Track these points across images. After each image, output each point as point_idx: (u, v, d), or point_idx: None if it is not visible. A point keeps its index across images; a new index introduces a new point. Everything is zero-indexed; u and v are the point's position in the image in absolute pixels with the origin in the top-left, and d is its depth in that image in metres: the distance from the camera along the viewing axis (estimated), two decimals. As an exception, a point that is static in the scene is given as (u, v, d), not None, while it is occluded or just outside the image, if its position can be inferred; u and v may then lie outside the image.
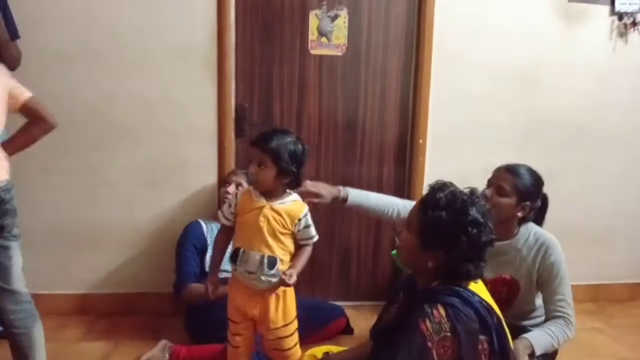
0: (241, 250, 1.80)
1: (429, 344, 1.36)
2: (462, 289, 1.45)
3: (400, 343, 1.40)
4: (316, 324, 2.52)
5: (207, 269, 2.49)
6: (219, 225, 2.00)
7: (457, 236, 1.41)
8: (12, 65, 2.36)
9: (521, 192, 1.98)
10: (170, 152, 2.75)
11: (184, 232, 2.56)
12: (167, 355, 2.28)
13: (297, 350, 1.94)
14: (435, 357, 1.35)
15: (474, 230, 1.41)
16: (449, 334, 1.36)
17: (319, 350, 1.94)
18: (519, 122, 3.01)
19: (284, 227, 1.80)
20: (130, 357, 2.34)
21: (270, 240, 1.78)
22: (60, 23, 2.60)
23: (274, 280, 1.79)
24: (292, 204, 1.84)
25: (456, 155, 2.95)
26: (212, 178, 2.69)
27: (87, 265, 2.80)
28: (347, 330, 2.70)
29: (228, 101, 2.74)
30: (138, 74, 2.68)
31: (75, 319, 2.74)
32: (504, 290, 2.05)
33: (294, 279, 1.76)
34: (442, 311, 1.38)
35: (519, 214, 2.01)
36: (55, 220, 2.75)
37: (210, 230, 2.54)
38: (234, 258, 1.82)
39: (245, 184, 2.46)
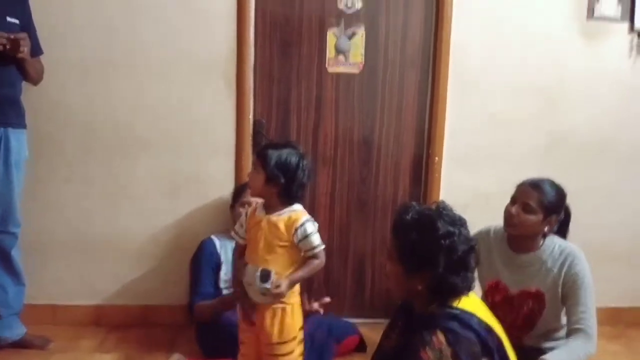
0: (245, 263, 1.84)
1: None
2: (459, 311, 1.43)
3: None
4: (331, 340, 2.50)
5: (221, 284, 2.50)
6: (232, 241, 2.01)
7: (434, 252, 1.40)
8: (36, 79, 2.44)
9: (547, 208, 1.98)
10: (189, 164, 2.77)
11: (198, 250, 2.57)
12: (179, 369, 2.29)
13: None
14: None
15: (447, 242, 1.39)
16: None
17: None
18: (539, 140, 2.96)
19: (280, 239, 1.77)
20: (143, 370, 2.35)
21: (266, 254, 1.77)
22: (82, 35, 2.65)
23: (269, 295, 1.76)
24: (290, 214, 1.80)
25: (473, 173, 2.92)
26: (228, 190, 2.70)
27: (105, 275, 2.82)
28: (361, 347, 2.66)
29: (246, 116, 2.77)
30: (159, 86, 2.71)
31: (91, 329, 2.75)
32: (530, 304, 2.03)
33: (280, 290, 1.72)
34: (442, 337, 1.37)
35: (546, 229, 2.00)
36: (78, 229, 2.77)
37: (223, 247, 2.55)
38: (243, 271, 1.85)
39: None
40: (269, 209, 1.83)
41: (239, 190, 2.61)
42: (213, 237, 2.60)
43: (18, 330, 2.51)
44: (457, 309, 1.45)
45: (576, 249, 2.01)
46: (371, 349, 2.56)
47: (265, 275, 1.76)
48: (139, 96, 2.72)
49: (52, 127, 2.69)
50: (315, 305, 2.13)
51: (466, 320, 1.42)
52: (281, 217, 1.79)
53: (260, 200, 1.88)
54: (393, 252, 1.49)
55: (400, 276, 1.49)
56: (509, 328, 1.57)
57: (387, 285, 1.61)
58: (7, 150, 2.33)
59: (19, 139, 2.39)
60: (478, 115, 2.90)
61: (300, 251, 1.80)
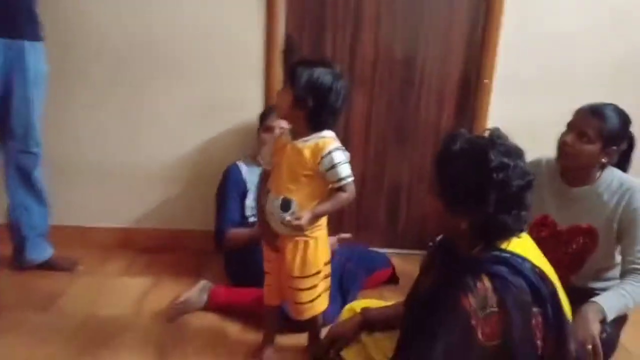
0: (268, 191, 1.72)
1: (473, 322, 1.19)
2: (510, 255, 1.26)
3: (440, 320, 1.23)
4: (361, 271, 2.43)
5: (247, 212, 2.39)
6: (260, 167, 1.89)
7: (483, 187, 1.21)
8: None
9: (606, 137, 1.78)
10: (217, 87, 2.62)
11: (223, 176, 2.44)
12: (205, 297, 2.22)
13: (315, 307, 1.79)
14: (481, 337, 1.19)
15: (501, 176, 1.21)
16: (495, 309, 1.20)
17: (359, 304, 1.82)
18: (607, 64, 2.64)
19: (304, 167, 1.62)
20: (169, 295, 2.31)
21: (289, 182, 1.64)
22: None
23: (289, 226, 1.63)
24: (317, 140, 1.62)
25: (527, 100, 2.65)
26: (257, 114, 2.52)
27: (131, 199, 2.77)
28: (393, 280, 2.57)
29: (277, 30, 2.53)
30: (183, 3, 2.53)
31: (117, 252, 2.73)
32: (580, 240, 1.89)
33: (300, 222, 1.58)
34: (488, 283, 1.21)
35: (604, 160, 1.82)
36: (102, 154, 2.71)
37: (250, 173, 2.41)
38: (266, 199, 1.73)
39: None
40: (295, 134, 1.67)
41: (265, 114, 2.43)
42: (239, 162, 2.46)
43: (45, 252, 2.50)
44: (506, 251, 1.28)
45: (637, 183, 1.83)
46: (404, 281, 2.52)
47: (286, 205, 1.64)
48: (163, 16, 2.54)
49: (84, 48, 2.58)
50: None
51: (517, 265, 1.25)
52: (307, 144, 1.63)
53: (287, 125, 1.71)
54: (436, 185, 1.32)
55: (441, 213, 1.32)
56: (555, 267, 1.41)
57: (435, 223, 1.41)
58: (23, 65, 2.20)
59: (35, 53, 2.24)
60: (536, 32, 2.59)
61: (327, 182, 1.65)
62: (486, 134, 1.31)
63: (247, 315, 2.15)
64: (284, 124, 1.78)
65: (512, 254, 1.28)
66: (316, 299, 1.78)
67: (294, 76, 1.59)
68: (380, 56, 2.66)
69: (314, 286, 1.76)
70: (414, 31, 2.63)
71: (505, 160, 1.23)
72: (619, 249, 1.88)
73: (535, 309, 1.23)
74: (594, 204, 1.85)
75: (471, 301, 1.20)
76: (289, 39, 2.58)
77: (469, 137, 1.29)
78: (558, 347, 1.26)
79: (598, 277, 1.93)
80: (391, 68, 2.68)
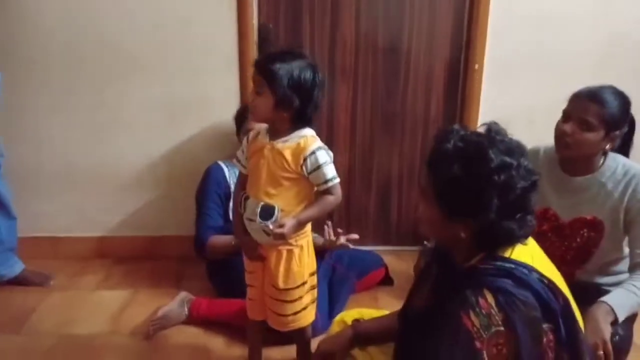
0: (243, 196, 1.57)
1: (478, 344, 1.04)
2: (514, 265, 1.12)
3: (440, 344, 1.08)
4: (352, 274, 2.31)
5: (231, 216, 2.22)
6: None
7: (483, 191, 1.07)
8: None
9: (609, 123, 1.65)
10: (187, 84, 2.46)
11: (204, 177, 2.29)
12: (186, 310, 2.09)
13: (299, 320, 1.66)
14: None
15: (503, 177, 1.07)
16: (502, 328, 1.05)
17: (349, 315, 1.68)
18: (599, 42, 2.50)
19: (285, 169, 1.49)
20: (148, 308, 2.18)
21: (269, 186, 1.51)
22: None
23: (271, 235, 1.50)
24: (298, 140, 1.50)
25: (519, 84, 2.51)
26: (233, 111, 2.36)
27: (105, 207, 2.62)
28: (387, 280, 2.44)
29: (249, 21, 2.37)
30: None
31: (95, 263, 2.59)
32: (585, 233, 1.76)
33: (282, 230, 1.45)
34: (491, 299, 1.06)
35: (607, 147, 1.70)
36: (67, 160, 2.55)
37: (232, 174, 2.25)
38: (243, 205, 1.58)
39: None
40: (274, 134, 1.53)
41: (241, 115, 2.26)
42: (220, 162, 2.31)
43: (15, 267, 2.36)
44: (510, 261, 1.14)
45: None
46: (399, 280, 2.41)
47: (267, 212, 1.50)
48: (127, 10, 2.37)
49: (31, 49, 2.40)
50: (342, 239, 1.94)
51: (523, 276, 1.11)
52: (288, 144, 1.50)
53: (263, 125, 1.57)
54: (428, 191, 1.16)
55: (436, 221, 1.17)
56: (559, 263, 1.28)
57: (420, 229, 1.26)
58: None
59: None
60: (525, 14, 2.44)
61: (311, 185, 1.52)
62: (482, 129, 1.16)
63: (232, 328, 2.02)
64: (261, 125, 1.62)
65: (517, 263, 1.13)
66: (301, 311, 1.64)
67: (273, 78, 1.43)
68: (363, 44, 2.51)
69: (299, 298, 1.62)
70: (397, 16, 2.47)
71: (507, 159, 1.08)
72: (626, 240, 1.77)
73: (545, 326, 1.09)
74: (597, 193, 1.73)
75: (474, 320, 1.06)
76: (263, 28, 2.42)
77: (463, 134, 1.14)
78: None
79: (605, 272, 1.82)
80: (375, 56, 2.53)
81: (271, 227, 1.47)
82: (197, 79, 2.44)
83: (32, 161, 2.52)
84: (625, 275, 1.77)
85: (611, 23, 2.48)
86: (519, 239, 1.14)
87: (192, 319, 2.09)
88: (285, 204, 1.51)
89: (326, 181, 1.50)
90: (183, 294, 2.14)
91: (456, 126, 1.17)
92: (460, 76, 2.55)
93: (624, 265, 1.78)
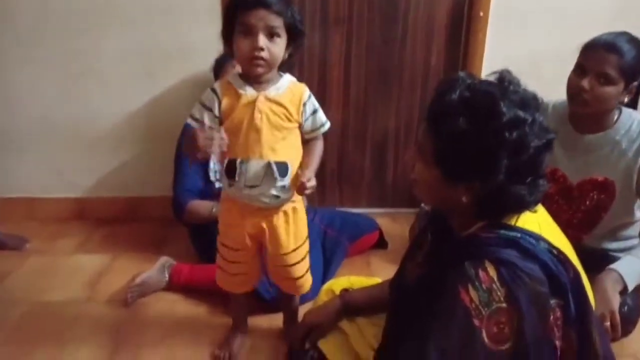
0: (238, 161, 1.38)
1: (476, 322, 0.92)
2: (520, 234, 0.98)
3: (433, 321, 0.96)
4: (345, 238, 2.17)
5: (211, 176, 2.09)
6: None
7: (492, 150, 0.93)
8: None
9: (629, 74, 1.53)
10: (166, 32, 2.29)
11: (181, 135, 2.12)
12: (166, 275, 1.96)
13: (309, 277, 1.61)
14: (486, 340, 0.92)
15: (515, 134, 0.92)
16: (504, 304, 0.92)
17: (338, 283, 1.56)
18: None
19: (288, 119, 1.38)
20: (127, 274, 2.05)
21: (273, 142, 1.37)
22: None
23: (285, 194, 1.41)
24: (291, 86, 1.40)
25: (526, 32, 2.33)
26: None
27: (83, 166, 2.48)
28: (381, 244, 2.32)
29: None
30: None
31: (74, 224, 2.47)
32: (594, 196, 1.66)
33: (313, 182, 1.36)
34: (493, 272, 0.94)
35: (625, 99, 1.58)
36: (40, 116, 2.39)
37: (213, 129, 2.08)
38: (230, 172, 1.39)
39: None
40: (256, 82, 1.36)
41: (220, 66, 2.07)
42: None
43: (-13, 230, 2.22)
44: (516, 229, 1.00)
45: None
46: (393, 244, 2.29)
47: (284, 169, 1.39)
48: None
49: None
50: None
51: (529, 246, 0.97)
52: (282, 92, 1.38)
53: (236, 70, 1.41)
54: (427, 149, 1.01)
55: (434, 183, 1.02)
56: (565, 227, 1.16)
57: (414, 192, 1.14)
58: None
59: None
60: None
61: (300, 133, 1.44)
62: (493, 77, 0.99)
63: (214, 295, 1.88)
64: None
65: (523, 232, 0.99)
66: (307, 272, 1.59)
67: (291, 13, 1.32)
68: (358, -12, 2.30)
69: (304, 257, 1.56)
70: (396, -43, 2.26)
71: (521, 113, 0.93)
72: (638, 203, 1.66)
73: (553, 302, 0.97)
74: (610, 152, 1.61)
75: (472, 295, 0.93)
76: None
77: (470, 82, 0.98)
78: (582, 346, 0.99)
79: (614, 237, 1.71)
80: (370, 2, 2.33)
81: (306, 183, 1.33)
82: (176, 26, 2.27)
83: (2, 117, 2.36)
84: (636, 241, 1.69)
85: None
86: (529, 205, 1.00)
87: (173, 286, 1.97)
88: (291, 158, 1.40)
89: (322, 125, 1.45)
90: (164, 259, 2.02)
91: (462, 74, 1.00)
92: (464, 24, 2.36)
93: (635, 230, 1.70)
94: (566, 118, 1.67)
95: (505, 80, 0.97)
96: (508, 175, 0.94)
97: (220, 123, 1.38)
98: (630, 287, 1.49)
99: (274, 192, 1.39)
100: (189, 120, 1.39)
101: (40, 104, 2.37)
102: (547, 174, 1.63)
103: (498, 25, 2.32)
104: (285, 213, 1.48)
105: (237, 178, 1.38)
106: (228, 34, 1.34)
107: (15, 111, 2.37)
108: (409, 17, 2.35)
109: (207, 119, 1.37)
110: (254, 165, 1.37)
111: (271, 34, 1.30)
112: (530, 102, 0.96)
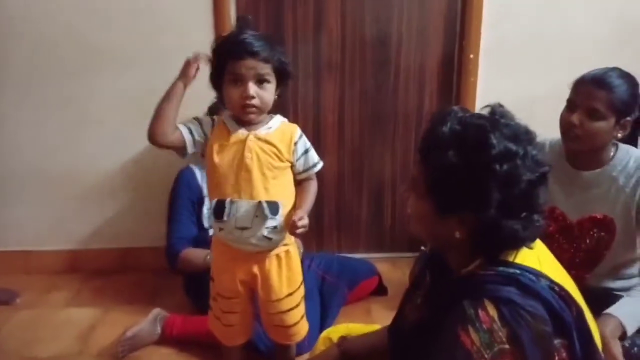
0: (227, 201, 1.36)
1: None
2: (519, 271, 0.96)
3: None
4: (343, 285, 2.13)
5: (205, 223, 2.08)
6: None
7: (482, 184, 0.92)
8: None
9: (619, 109, 1.51)
10: (162, 79, 2.24)
11: (175, 182, 2.12)
12: (158, 328, 1.90)
13: (304, 324, 1.56)
14: None
15: (506, 167, 0.91)
16: (507, 345, 0.88)
17: (336, 331, 1.50)
18: (604, 28, 2.35)
19: (279, 158, 1.38)
20: (120, 326, 1.97)
21: (264, 181, 1.37)
22: None
23: (276, 236, 1.39)
24: (282, 126, 1.42)
25: (518, 74, 2.36)
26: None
27: (76, 216, 2.45)
28: (381, 290, 2.26)
29: (226, 12, 2.21)
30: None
31: (64, 278, 2.41)
32: (595, 234, 1.62)
33: (305, 221, 1.35)
34: (493, 311, 0.90)
35: (619, 135, 1.56)
36: (36, 165, 2.38)
37: (205, 176, 2.07)
38: (218, 213, 1.37)
39: None
40: (248, 123, 1.37)
41: (216, 110, 2.08)
42: (192, 166, 2.14)
43: (-22, 285, 2.17)
44: (514, 265, 0.97)
45: None
46: (393, 290, 2.23)
47: (275, 209, 1.37)
48: None
49: None
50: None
51: (530, 283, 0.94)
52: (272, 131, 1.39)
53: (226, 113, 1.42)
54: (420, 182, 1.00)
55: (427, 217, 1.01)
56: (568, 267, 1.12)
57: (409, 227, 1.12)
58: None
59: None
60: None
61: (292, 173, 1.44)
62: (485, 111, 0.99)
63: (208, 347, 1.82)
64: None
65: (523, 268, 0.96)
66: (301, 320, 1.54)
67: (279, 60, 1.35)
68: (349, 36, 2.35)
69: (299, 304, 1.52)
70: (385, 5, 2.32)
71: (512, 146, 0.92)
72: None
73: (557, 341, 0.93)
74: (608, 189, 1.58)
75: (473, 337, 0.89)
76: (241, 21, 2.24)
77: (462, 115, 0.98)
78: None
79: (617, 276, 1.66)
80: (362, 49, 2.37)
81: (299, 223, 1.33)
82: (170, 74, 2.26)
83: (-2, 166, 2.36)
84: (638, 279, 1.63)
85: (618, 6, 2.33)
86: (524, 241, 0.98)
87: (166, 338, 1.91)
88: (282, 197, 1.39)
89: (314, 164, 1.45)
90: (156, 311, 1.96)
91: (456, 108, 1.00)
92: (455, 67, 2.39)
93: (636, 268, 1.65)
94: (562, 155, 1.65)
95: (496, 113, 0.97)
96: (500, 209, 0.92)
97: (202, 153, 1.41)
98: (630, 332, 1.41)
99: (265, 233, 1.37)
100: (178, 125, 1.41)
101: (35, 151, 2.36)
102: (546, 212, 1.63)
103: (489, 67, 2.35)
104: (278, 257, 1.45)
105: (225, 218, 1.36)
106: (217, 81, 1.37)
107: (8, 157, 2.36)
108: (401, 63, 2.39)
109: (194, 130, 1.40)
110: (244, 206, 1.36)
111: (260, 81, 1.33)
112: (521, 135, 0.95)
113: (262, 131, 1.38)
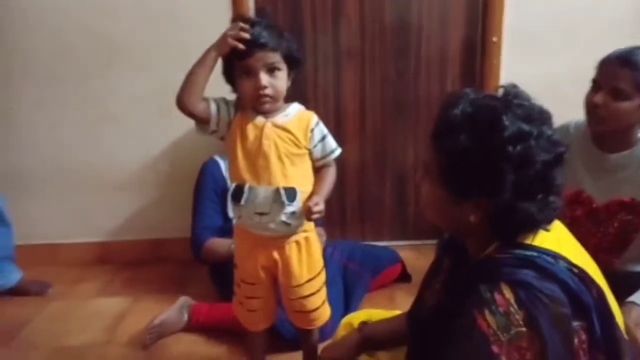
0: (246, 186, 1.37)
1: (495, 349, 0.86)
2: (537, 253, 0.93)
3: (452, 347, 0.91)
4: (366, 272, 2.12)
5: (230, 214, 2.07)
6: None
7: (496, 166, 0.90)
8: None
9: None
10: (180, 76, 2.26)
11: (200, 174, 2.14)
12: (185, 315, 1.93)
13: (325, 310, 1.55)
14: None
15: (519, 148, 0.89)
16: (524, 328, 0.86)
17: (357, 317, 1.50)
18: (628, 6, 2.27)
19: (296, 145, 1.39)
20: (148, 315, 2.00)
21: (283, 168, 1.37)
22: None
23: (295, 221, 1.40)
24: (299, 113, 1.42)
25: (542, 55, 2.31)
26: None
27: (104, 210, 2.50)
28: (404, 277, 2.25)
29: (245, 5, 2.22)
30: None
31: (96, 269, 2.46)
32: (623, 217, 1.58)
33: (321, 207, 1.35)
34: (510, 294, 0.88)
35: None
36: (59, 160, 2.43)
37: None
38: (236, 197, 1.39)
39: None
40: (265, 111, 1.38)
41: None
42: (217, 157, 2.16)
43: (12, 277, 2.23)
44: (532, 248, 0.95)
45: None
46: (417, 277, 2.20)
47: (292, 195, 1.37)
48: None
49: (15, 39, 2.28)
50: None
51: (547, 266, 0.91)
52: (289, 119, 1.40)
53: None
54: (433, 167, 0.99)
55: (441, 203, 1.00)
56: (595, 252, 1.10)
57: (423, 214, 1.08)
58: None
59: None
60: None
61: (310, 160, 1.44)
62: (498, 92, 0.97)
63: (234, 334, 1.84)
64: None
65: (540, 250, 0.94)
66: (322, 305, 1.53)
67: (288, 47, 1.35)
68: (369, 23, 2.33)
69: (320, 289, 1.52)
70: (405, -11, 2.30)
71: (525, 127, 0.90)
72: None
73: (576, 324, 0.90)
74: (636, 172, 1.54)
75: (489, 321, 0.87)
76: (261, 13, 2.24)
77: (474, 97, 0.96)
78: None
79: None
80: (382, 36, 2.35)
81: (314, 208, 1.33)
82: (189, 68, 2.28)
83: (21, 162, 2.41)
84: None
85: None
86: (540, 224, 0.95)
87: (193, 326, 1.93)
88: (300, 184, 1.38)
89: (332, 151, 1.44)
90: (183, 299, 1.99)
91: (467, 90, 0.98)
92: (478, 51, 2.35)
93: None
94: (589, 138, 1.62)
95: (509, 94, 0.94)
96: (515, 191, 0.90)
97: (222, 136, 1.42)
98: None
99: (283, 218, 1.37)
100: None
101: (57, 147, 2.41)
102: (572, 196, 1.60)
103: (512, 50, 2.30)
104: (298, 243, 1.45)
105: (242, 202, 1.37)
106: (229, 76, 1.38)
107: (32, 155, 2.41)
108: (422, 49, 2.36)
109: (222, 108, 1.39)
110: (263, 192, 1.37)
111: (271, 70, 1.33)
112: (535, 115, 0.92)
113: (279, 119, 1.38)
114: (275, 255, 1.44)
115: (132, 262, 2.49)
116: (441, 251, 1.21)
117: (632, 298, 1.39)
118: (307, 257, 1.46)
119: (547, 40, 2.29)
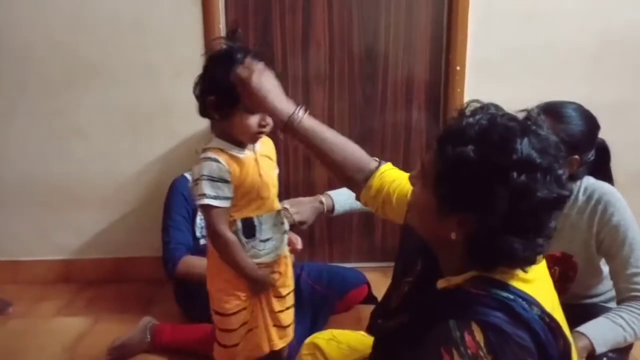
0: (254, 219, 1.42)
1: None
2: (512, 296, 0.90)
3: None
4: (333, 294, 2.14)
5: (197, 233, 2.09)
6: None
7: (494, 187, 0.86)
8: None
9: (567, 143, 1.36)
10: (149, 92, 2.32)
11: (169, 191, 2.13)
12: (148, 336, 1.91)
13: (293, 328, 1.62)
14: None
15: (522, 177, 0.85)
16: None
17: (321, 336, 1.49)
18: (588, 41, 2.36)
19: (274, 168, 1.51)
20: (110, 336, 1.96)
21: (275, 191, 1.49)
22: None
23: (286, 235, 1.54)
24: (264, 139, 1.48)
25: (504, 85, 2.34)
26: (199, 121, 2.20)
27: (68, 227, 2.46)
28: (370, 299, 2.25)
29: (216, 26, 2.25)
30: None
31: (57, 288, 2.42)
32: (556, 271, 1.57)
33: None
34: (480, 336, 0.85)
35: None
36: (23, 175, 2.40)
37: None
38: (250, 232, 1.42)
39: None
40: (245, 144, 1.41)
41: None
42: (187, 174, 2.15)
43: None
44: (509, 288, 0.92)
45: (607, 189, 1.53)
46: (382, 300, 2.21)
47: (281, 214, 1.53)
48: (83, 9, 2.24)
49: None
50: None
51: (522, 312, 0.89)
52: (262, 146, 1.47)
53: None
54: (430, 171, 0.95)
55: (429, 209, 0.95)
56: None
57: (407, 216, 1.09)
58: None
59: None
60: (510, 10, 2.32)
61: None
62: (523, 115, 0.93)
63: (198, 356, 1.83)
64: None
65: (517, 293, 0.91)
66: (293, 322, 1.60)
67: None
68: (337, 48, 2.38)
69: (292, 304, 1.60)
70: (372, 18, 2.35)
71: (536, 157, 0.86)
72: (603, 260, 1.58)
73: None
74: (562, 227, 1.51)
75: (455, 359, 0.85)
76: (232, 35, 2.26)
77: (494, 112, 0.91)
78: None
79: (587, 296, 1.64)
80: (351, 61, 2.40)
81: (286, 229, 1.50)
82: (159, 85, 2.31)
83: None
84: (611, 294, 1.58)
85: (602, 19, 2.34)
86: (521, 262, 0.92)
87: (156, 347, 1.91)
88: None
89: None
90: (146, 319, 1.96)
91: (490, 103, 0.94)
92: (442, 79, 2.42)
93: (607, 284, 1.61)
94: None
95: (531, 120, 0.90)
96: (505, 220, 0.87)
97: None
98: (599, 351, 1.36)
99: (285, 236, 1.50)
100: (207, 200, 1.32)
101: (22, 161, 2.38)
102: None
103: (475, 78, 2.36)
104: (287, 257, 1.55)
105: (257, 235, 1.42)
106: (225, 110, 1.33)
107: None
108: (389, 77, 2.41)
109: (227, 191, 1.35)
110: (267, 219, 1.44)
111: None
112: (550, 149, 0.88)
113: (258, 148, 1.44)
114: (276, 275, 1.51)
115: (96, 280, 2.45)
116: (417, 253, 1.14)
117: (582, 328, 1.37)
118: (289, 271, 1.56)
119: (509, 69, 2.36)
